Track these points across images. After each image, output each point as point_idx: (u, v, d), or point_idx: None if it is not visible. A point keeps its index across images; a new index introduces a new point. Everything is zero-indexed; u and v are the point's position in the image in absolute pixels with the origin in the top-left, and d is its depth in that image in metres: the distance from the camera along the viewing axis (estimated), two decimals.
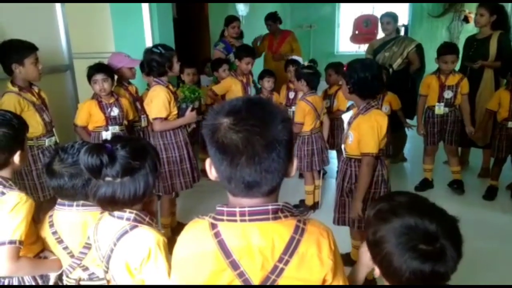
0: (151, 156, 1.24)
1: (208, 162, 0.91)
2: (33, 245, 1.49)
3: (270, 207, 0.89)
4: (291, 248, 0.89)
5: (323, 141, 3.31)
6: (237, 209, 0.89)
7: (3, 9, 2.53)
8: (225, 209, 0.91)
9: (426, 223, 0.87)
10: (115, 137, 1.73)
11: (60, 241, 1.44)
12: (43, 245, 1.51)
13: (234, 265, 0.89)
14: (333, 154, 3.96)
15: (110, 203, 1.19)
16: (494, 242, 2.77)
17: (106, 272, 1.24)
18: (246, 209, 0.88)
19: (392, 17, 4.14)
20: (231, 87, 3.56)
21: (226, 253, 0.89)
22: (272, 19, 5.13)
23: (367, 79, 2.06)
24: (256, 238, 0.88)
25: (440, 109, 3.43)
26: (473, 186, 3.70)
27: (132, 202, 1.21)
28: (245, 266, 0.89)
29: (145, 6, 3.81)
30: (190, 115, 2.70)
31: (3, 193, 1.39)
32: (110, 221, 1.24)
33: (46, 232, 1.47)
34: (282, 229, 0.90)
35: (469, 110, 3.46)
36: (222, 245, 0.89)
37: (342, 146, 2.30)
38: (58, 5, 3.03)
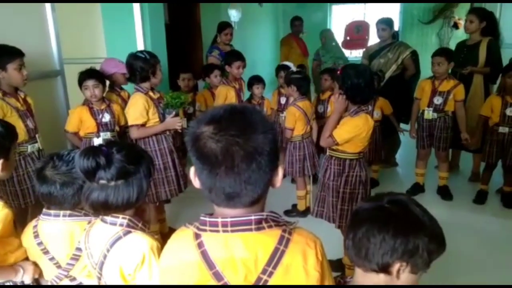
0: (146, 162, 1.25)
1: (192, 170, 0.90)
2: (15, 253, 1.46)
3: (253, 217, 0.87)
4: (275, 259, 0.87)
5: (314, 146, 3.32)
6: (219, 220, 0.87)
7: None
8: (207, 219, 0.89)
9: None
10: (110, 141, 1.72)
11: (46, 252, 1.41)
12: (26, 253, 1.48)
13: (218, 276, 0.88)
14: None
15: (103, 207, 1.19)
16: (483, 246, 2.79)
17: (99, 278, 1.23)
18: (229, 219, 0.87)
19: (387, 23, 4.18)
20: (226, 95, 3.55)
21: (209, 264, 0.88)
22: (300, 19, 5.81)
23: (360, 85, 2.13)
24: (239, 250, 0.87)
25: (428, 113, 3.46)
26: (463, 190, 3.73)
27: (125, 207, 1.21)
28: (228, 277, 0.87)
29: (137, 11, 3.81)
30: (170, 121, 2.61)
31: None
32: (102, 227, 1.23)
33: (29, 243, 1.44)
34: (266, 240, 0.88)
35: (465, 117, 3.46)
36: (205, 256, 0.88)
37: None
38: (49, 10, 3.02)
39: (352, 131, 2.17)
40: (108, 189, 1.17)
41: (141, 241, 1.19)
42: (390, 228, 0.91)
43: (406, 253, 0.91)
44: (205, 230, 0.89)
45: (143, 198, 1.26)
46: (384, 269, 0.93)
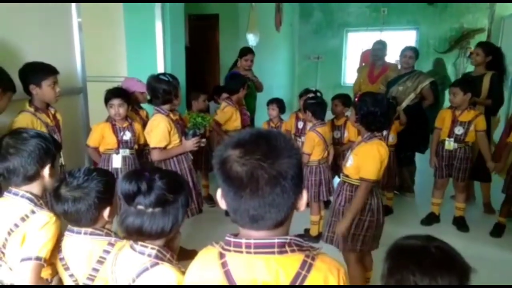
0: (185, 192, 1.24)
1: (219, 191, 0.92)
2: (53, 265, 1.50)
3: (276, 240, 0.88)
4: (296, 284, 0.87)
5: (330, 171, 3.31)
6: (243, 241, 0.89)
7: (23, 33, 2.61)
8: (232, 239, 0.91)
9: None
10: (154, 168, 1.73)
11: (67, 268, 1.42)
12: None
13: None
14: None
15: (136, 233, 1.18)
16: (498, 281, 2.72)
17: None
18: (252, 241, 0.88)
19: (416, 51, 4.17)
20: (232, 116, 3.62)
21: (232, 284, 0.89)
22: (380, 43, 5.03)
23: (376, 114, 2.15)
24: (261, 272, 0.87)
25: (450, 144, 3.43)
26: (479, 222, 3.67)
27: (158, 235, 1.19)
28: None
29: (159, 33, 3.93)
30: (188, 144, 2.65)
31: (33, 212, 1.44)
32: (130, 255, 1.21)
33: (56, 257, 1.46)
34: (289, 264, 0.88)
35: (488, 146, 3.45)
36: (228, 275, 0.89)
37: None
38: (76, 29, 3.12)
39: (374, 160, 2.14)
40: (145, 215, 1.15)
41: (168, 276, 1.16)
42: (437, 276, 0.95)
43: None
44: (229, 250, 0.91)
45: (177, 229, 1.24)
46: None
